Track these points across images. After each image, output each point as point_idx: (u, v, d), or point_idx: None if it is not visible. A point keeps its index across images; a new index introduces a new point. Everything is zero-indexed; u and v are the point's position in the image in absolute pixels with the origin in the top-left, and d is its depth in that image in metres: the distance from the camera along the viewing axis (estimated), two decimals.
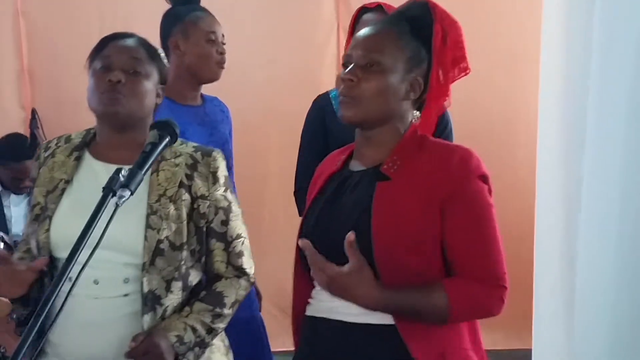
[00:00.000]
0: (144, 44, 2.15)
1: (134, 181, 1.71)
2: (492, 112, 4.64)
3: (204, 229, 2.12)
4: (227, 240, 2.16)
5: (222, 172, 2.16)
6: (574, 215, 3.09)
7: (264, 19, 4.61)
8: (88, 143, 2.17)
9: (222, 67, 2.96)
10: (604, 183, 2.81)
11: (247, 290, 2.19)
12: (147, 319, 2.00)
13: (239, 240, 2.18)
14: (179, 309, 2.08)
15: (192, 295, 2.12)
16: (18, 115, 4.59)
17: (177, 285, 2.06)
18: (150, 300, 2.00)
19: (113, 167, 1.99)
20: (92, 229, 1.64)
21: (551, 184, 3.45)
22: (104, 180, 1.95)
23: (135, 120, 2.10)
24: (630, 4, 2.67)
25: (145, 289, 2.00)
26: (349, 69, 1.87)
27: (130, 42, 2.13)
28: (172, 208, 2.05)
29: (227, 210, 2.15)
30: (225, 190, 2.15)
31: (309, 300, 1.97)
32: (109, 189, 1.69)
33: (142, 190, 2.04)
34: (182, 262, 2.06)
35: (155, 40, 5.05)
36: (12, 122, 4.52)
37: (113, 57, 2.09)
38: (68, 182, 2.11)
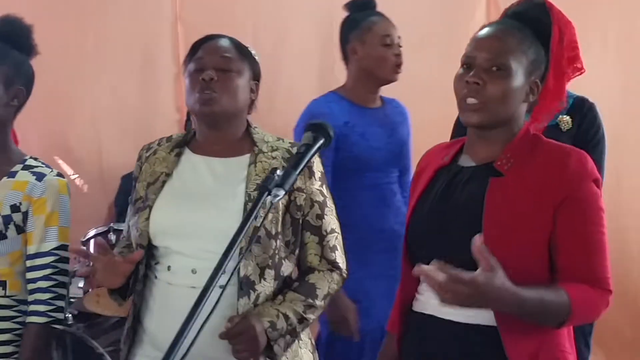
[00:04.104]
0: (234, 43, 2.23)
1: (288, 181, 1.76)
2: None
3: (300, 221, 2.16)
4: (322, 234, 2.18)
5: (318, 168, 2.20)
6: None
7: (414, 26, 4.58)
8: (188, 141, 2.25)
9: (399, 69, 3.10)
10: None
11: (339, 284, 2.21)
12: (241, 302, 2.04)
13: (333, 234, 2.21)
14: (271, 297, 2.11)
15: (284, 286, 2.16)
16: (173, 117, 4.74)
17: (270, 274, 2.10)
18: (245, 285, 2.05)
19: (210, 160, 2.19)
20: (248, 225, 1.70)
21: None
22: (202, 172, 2.18)
23: (230, 116, 2.18)
24: None
25: (241, 274, 2.05)
26: (473, 72, 1.88)
27: (221, 42, 2.22)
28: (269, 197, 2.08)
29: (323, 205, 2.18)
30: (321, 185, 2.19)
31: (417, 295, 2.00)
32: (265, 188, 1.74)
33: (240, 181, 2.13)
34: (276, 251, 2.09)
35: (316, 42, 5.12)
36: (168, 124, 4.67)
37: (205, 57, 2.18)
38: (168, 175, 2.19)
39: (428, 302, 1.94)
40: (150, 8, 4.63)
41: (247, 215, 1.71)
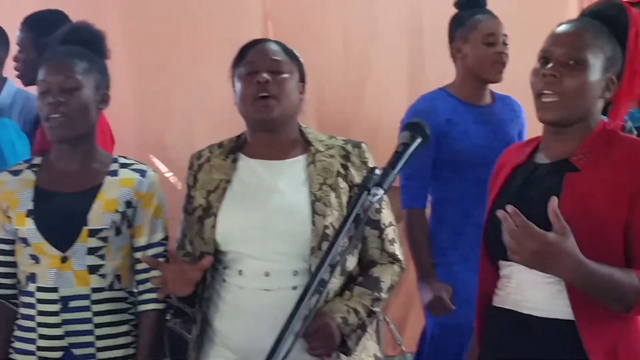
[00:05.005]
0: (281, 45, 2.27)
1: (387, 180, 1.78)
2: None
3: (361, 216, 2.16)
4: (381, 228, 2.23)
5: (372, 163, 2.22)
6: None
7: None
8: (241, 146, 2.27)
9: (502, 69, 3.08)
10: None
11: (400, 276, 2.25)
12: (313, 301, 2.05)
13: (391, 227, 2.25)
14: (339, 292, 2.15)
15: (349, 281, 2.19)
16: None
17: (337, 270, 2.10)
18: (317, 283, 2.06)
19: (269, 163, 2.23)
20: (348, 223, 1.73)
21: None
22: (263, 176, 2.21)
23: (286, 119, 2.21)
24: None
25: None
26: (550, 65, 1.89)
27: (270, 45, 2.26)
28: (333, 196, 2.15)
29: (380, 199, 2.17)
30: None
31: (496, 290, 2.01)
32: (365, 187, 1.77)
33: (302, 181, 2.17)
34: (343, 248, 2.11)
35: (406, 39, 5.06)
36: None
37: (257, 61, 2.20)
38: (228, 181, 2.22)
39: (507, 297, 1.96)
40: (240, 6, 4.70)
41: (348, 214, 1.75)
